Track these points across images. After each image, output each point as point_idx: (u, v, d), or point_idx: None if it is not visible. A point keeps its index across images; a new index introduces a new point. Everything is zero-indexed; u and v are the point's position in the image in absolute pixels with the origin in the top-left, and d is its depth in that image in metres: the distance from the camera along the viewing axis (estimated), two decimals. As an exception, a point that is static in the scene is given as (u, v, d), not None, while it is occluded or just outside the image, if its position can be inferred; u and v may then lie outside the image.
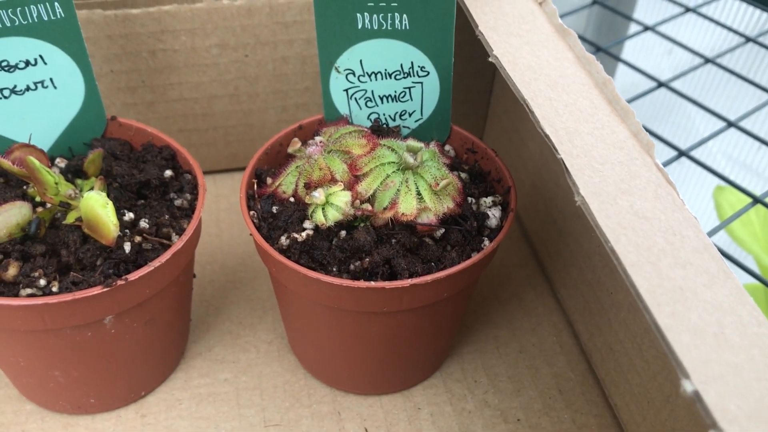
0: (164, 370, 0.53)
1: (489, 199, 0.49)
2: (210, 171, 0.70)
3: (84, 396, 0.49)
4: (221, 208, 0.67)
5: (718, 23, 0.93)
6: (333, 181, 0.46)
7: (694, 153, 0.71)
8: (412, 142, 0.47)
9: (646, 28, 0.94)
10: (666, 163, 0.68)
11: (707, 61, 0.86)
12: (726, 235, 1.04)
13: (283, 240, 0.45)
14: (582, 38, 0.90)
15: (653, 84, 0.81)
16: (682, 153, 0.71)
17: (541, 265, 0.64)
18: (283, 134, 0.53)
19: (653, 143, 0.47)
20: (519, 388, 0.54)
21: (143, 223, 0.45)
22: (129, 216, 0.45)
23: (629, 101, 0.76)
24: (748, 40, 0.90)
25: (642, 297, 0.35)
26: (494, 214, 0.48)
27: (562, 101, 0.48)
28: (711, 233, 0.63)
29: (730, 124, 0.75)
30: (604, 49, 0.88)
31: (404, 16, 0.48)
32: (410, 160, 0.45)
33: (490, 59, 0.49)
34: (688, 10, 0.96)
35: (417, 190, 0.45)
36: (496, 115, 0.72)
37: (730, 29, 0.91)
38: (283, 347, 0.56)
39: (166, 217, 0.46)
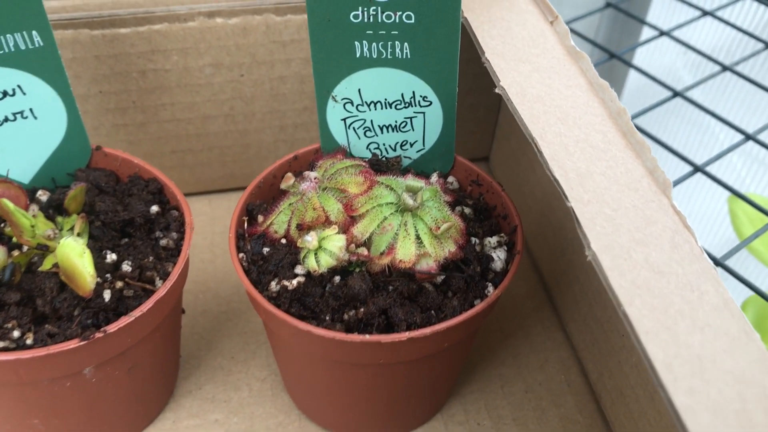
0: (151, 412, 0.50)
1: (494, 239, 0.46)
2: (205, 192, 0.67)
3: (66, 442, 0.47)
4: (216, 232, 0.64)
5: (735, 27, 0.89)
6: (327, 222, 0.43)
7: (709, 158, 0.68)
8: (412, 181, 0.44)
9: (662, 33, 0.90)
10: (681, 180, 0.65)
11: (725, 68, 0.82)
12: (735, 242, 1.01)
13: (273, 286, 0.42)
14: (594, 43, 0.86)
15: (668, 86, 0.78)
16: (697, 169, 0.68)
17: (549, 296, 0.61)
18: (277, 165, 0.50)
19: (670, 182, 0.44)
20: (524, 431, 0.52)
21: (126, 266, 0.43)
22: (111, 258, 0.43)
23: (644, 111, 0.73)
24: (767, 45, 0.86)
25: (657, 371, 0.32)
26: (499, 256, 0.45)
27: (573, 137, 0.44)
28: (728, 255, 0.59)
29: (748, 138, 0.72)
30: (618, 56, 0.85)
31: (405, 44, 0.45)
32: (409, 201, 0.42)
33: (497, 90, 0.46)
34: (705, 13, 0.92)
35: (416, 234, 0.42)
36: (504, 135, 0.69)
37: (748, 33, 0.87)
38: (277, 385, 0.53)
39: (151, 258, 0.44)
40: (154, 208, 0.47)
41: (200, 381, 0.53)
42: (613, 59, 0.83)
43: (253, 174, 0.63)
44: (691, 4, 0.94)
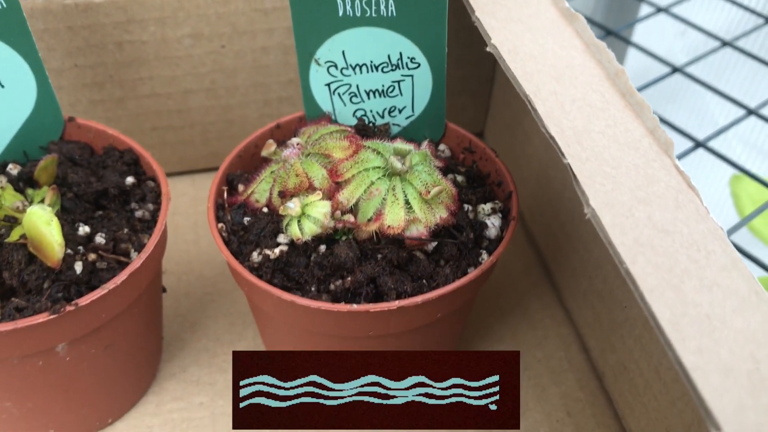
0: (133, 395, 0.48)
1: (488, 206, 0.44)
2: (188, 171, 0.65)
3: (41, 427, 0.44)
4: (199, 212, 0.62)
5: (735, 2, 0.87)
6: (311, 188, 0.40)
7: (710, 140, 0.66)
8: (400, 144, 0.41)
9: (659, 10, 0.88)
10: (682, 155, 0.63)
11: (725, 44, 0.80)
12: (744, 227, 0.99)
13: (255, 256, 0.40)
14: (591, 21, 0.84)
15: (665, 67, 0.76)
16: (699, 144, 0.66)
17: (547, 272, 0.59)
18: (259, 134, 0.48)
19: (672, 141, 0.41)
20: (524, 411, 0.49)
21: (99, 239, 0.40)
22: (84, 230, 0.41)
23: (642, 88, 0.71)
24: (767, 21, 0.84)
25: (663, 330, 0.30)
26: (494, 223, 0.43)
27: (569, 96, 0.42)
28: (731, 231, 0.58)
29: (750, 112, 0.70)
30: (615, 33, 0.82)
31: (390, 1, 0.42)
32: (398, 164, 0.40)
33: (488, 49, 0.44)
34: (704, -11, 0.90)
35: (405, 199, 0.40)
36: (498, 107, 0.66)
37: (747, 9, 0.85)
38: (265, 366, 0.51)
39: (125, 230, 0.41)
40: (130, 180, 0.44)
41: (184, 363, 0.51)
42: (610, 36, 0.81)
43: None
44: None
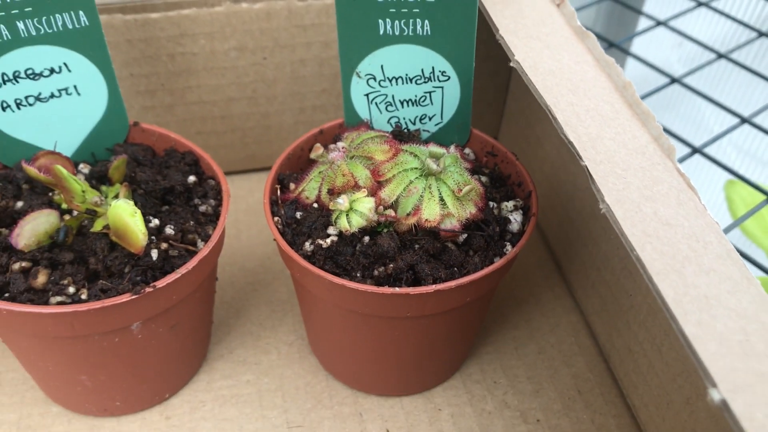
0: (188, 373, 0.53)
1: (510, 204, 0.49)
2: (228, 172, 0.70)
3: (110, 399, 0.50)
4: (239, 210, 0.67)
5: (730, 17, 0.93)
6: (356, 187, 0.46)
7: (705, 147, 0.71)
8: (435, 148, 0.47)
9: (658, 23, 0.93)
10: (680, 160, 0.69)
11: (720, 56, 0.86)
12: (737, 229, 1.05)
13: (308, 246, 0.45)
14: (593, 33, 0.90)
15: (664, 77, 0.81)
16: (696, 150, 0.71)
17: (558, 266, 0.65)
18: (305, 139, 0.53)
19: (674, 147, 0.47)
20: (538, 389, 0.55)
21: (169, 230, 0.46)
22: (154, 222, 0.46)
23: (642, 97, 0.77)
24: (761, 34, 0.90)
25: (669, 306, 0.36)
26: (516, 219, 0.48)
27: (583, 106, 0.48)
28: (725, 231, 0.63)
29: (744, 120, 0.75)
30: (616, 45, 0.88)
31: (426, 21, 0.48)
32: (433, 166, 0.45)
33: (511, 64, 0.49)
34: (700, 4, 0.95)
35: (440, 196, 0.45)
36: (512, 116, 0.72)
37: (741, 23, 0.91)
38: (304, 349, 0.56)
39: (191, 223, 0.47)
40: (192, 178, 0.50)
41: (231, 345, 0.56)
42: (611, 48, 0.87)
43: (274, 155, 0.67)
44: (686, -6, 0.97)
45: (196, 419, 0.52)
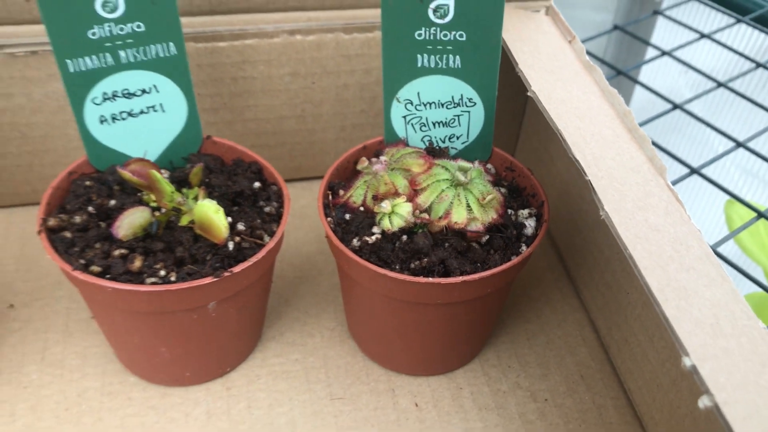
0: (246, 351, 0.62)
1: (525, 211, 0.58)
2: (275, 181, 0.79)
3: (181, 370, 0.59)
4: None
5: (730, 49, 1.01)
6: (396, 194, 0.55)
7: (709, 167, 0.80)
8: (463, 163, 0.56)
9: (664, 53, 1.02)
10: (679, 180, 0.77)
11: (719, 85, 0.94)
12: (736, 246, 1.12)
13: (355, 242, 0.54)
14: (602, 61, 0.99)
15: (668, 100, 0.89)
16: (693, 170, 0.79)
17: (566, 269, 0.73)
18: (351, 153, 0.62)
19: (665, 167, 0.56)
20: (546, 374, 0.63)
21: (240, 226, 0.55)
22: (228, 220, 0.55)
23: (648, 121, 0.85)
24: (758, 65, 0.98)
25: (653, 293, 0.44)
26: (530, 224, 0.57)
27: (589, 131, 0.57)
28: (719, 243, 0.71)
29: (739, 144, 0.84)
30: (624, 73, 0.97)
31: (457, 57, 0.57)
32: (461, 177, 0.54)
33: (528, 93, 0.58)
34: (702, 36, 1.04)
35: (467, 203, 0.54)
36: (527, 136, 0.81)
37: (741, 55, 1.00)
38: (344, 334, 0.65)
39: (258, 221, 0.56)
40: (257, 184, 0.59)
41: (282, 330, 0.65)
42: (620, 76, 0.95)
43: (317, 166, 0.76)
44: (690, 28, 1.06)
45: (253, 390, 0.60)
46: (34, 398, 0.59)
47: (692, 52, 1.17)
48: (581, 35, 0.74)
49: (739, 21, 1.08)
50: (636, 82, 0.95)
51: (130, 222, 0.52)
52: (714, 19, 1.20)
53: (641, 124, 0.82)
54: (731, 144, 0.84)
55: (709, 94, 0.94)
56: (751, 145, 0.84)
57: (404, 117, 0.61)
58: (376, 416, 0.59)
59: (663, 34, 1.33)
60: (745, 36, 1.18)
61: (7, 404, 0.58)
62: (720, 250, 0.72)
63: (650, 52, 1.26)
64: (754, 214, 0.74)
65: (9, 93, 0.65)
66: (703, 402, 0.39)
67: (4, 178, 0.71)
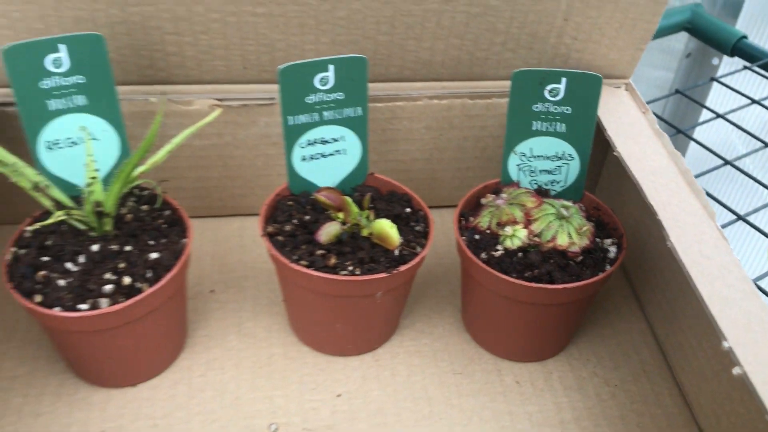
0: (390, 333, 0.83)
1: (609, 241, 0.78)
2: (401, 208, 1.01)
3: (347, 343, 0.80)
4: (411, 234, 0.97)
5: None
6: (515, 222, 0.75)
7: (756, 214, 0.97)
8: (564, 202, 0.76)
9: (717, 116, 1.20)
10: (728, 224, 0.96)
11: (766, 145, 1.12)
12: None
13: (483, 255, 0.75)
14: (663, 120, 1.18)
15: (719, 156, 1.07)
16: (740, 217, 0.98)
17: (632, 287, 0.93)
18: (476, 190, 0.83)
19: (715, 212, 0.75)
20: (616, 366, 0.82)
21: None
22: (391, 234, 0.76)
23: (702, 173, 1.04)
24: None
25: (703, 300, 0.64)
26: (612, 250, 0.77)
27: (658, 182, 0.77)
28: (760, 277, 0.89)
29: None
30: (683, 132, 1.15)
31: (563, 124, 0.78)
32: (564, 213, 0.75)
33: (614, 153, 0.79)
34: (753, 102, 1.23)
35: (568, 232, 0.74)
36: (605, 182, 1.01)
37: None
38: (460, 328, 0.85)
39: (411, 236, 0.77)
40: (408, 209, 0.80)
41: (414, 320, 0.86)
42: (678, 134, 1.15)
43: (435, 198, 0.97)
44: (743, 94, 1.25)
45: (395, 363, 0.81)
46: (236, 358, 0.80)
47: (744, 113, 1.35)
48: (646, 97, 0.93)
49: (785, 91, 1.25)
50: (692, 139, 1.14)
51: (328, 231, 0.74)
52: (765, 86, 1.38)
53: (697, 176, 1.01)
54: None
55: (758, 152, 1.12)
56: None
57: (518, 165, 0.82)
58: (486, 388, 0.79)
59: (717, 97, 1.52)
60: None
61: (218, 361, 0.80)
62: (760, 283, 0.90)
63: (704, 113, 1.45)
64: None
65: (220, 133, 0.88)
66: (736, 371, 0.59)
67: (202, 194, 0.94)
